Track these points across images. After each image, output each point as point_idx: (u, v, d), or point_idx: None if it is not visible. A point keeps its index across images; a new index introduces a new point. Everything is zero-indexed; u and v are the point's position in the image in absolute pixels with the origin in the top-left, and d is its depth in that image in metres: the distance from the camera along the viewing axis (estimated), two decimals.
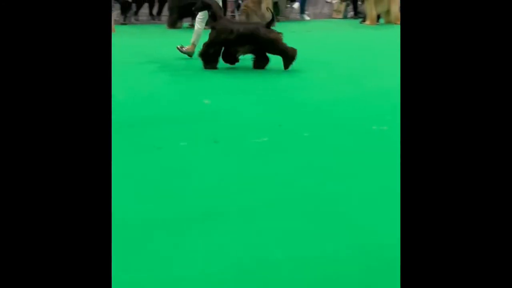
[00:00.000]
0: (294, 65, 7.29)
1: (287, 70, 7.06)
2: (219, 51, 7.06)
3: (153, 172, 3.50)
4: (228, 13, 12.74)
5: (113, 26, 10.92)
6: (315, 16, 15.08)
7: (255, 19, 11.65)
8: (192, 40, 7.87)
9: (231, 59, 7.17)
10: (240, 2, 12.63)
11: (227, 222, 2.77)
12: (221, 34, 6.86)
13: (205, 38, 7.25)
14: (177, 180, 3.36)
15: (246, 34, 6.82)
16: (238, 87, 6.21)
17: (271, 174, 3.44)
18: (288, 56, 6.98)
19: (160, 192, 3.16)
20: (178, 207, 2.95)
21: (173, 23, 11.35)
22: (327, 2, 16.26)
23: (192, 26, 11.73)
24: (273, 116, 4.86)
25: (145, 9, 12.58)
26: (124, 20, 12.12)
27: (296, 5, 14.13)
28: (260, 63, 7.13)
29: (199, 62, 7.51)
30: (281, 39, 6.96)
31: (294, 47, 7.09)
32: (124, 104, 5.31)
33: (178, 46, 7.95)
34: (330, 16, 15.16)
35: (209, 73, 6.92)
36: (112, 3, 12.15)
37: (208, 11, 7.11)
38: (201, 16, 7.68)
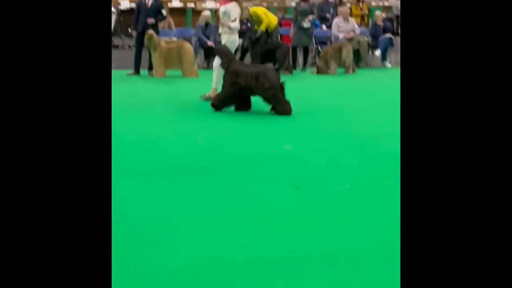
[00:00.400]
0: (374, 112, 7.26)
1: (360, 116, 7.04)
2: (232, 95, 7.25)
3: (234, 216, 3.54)
4: (310, 59, 12.84)
5: (196, 71, 11.22)
6: (397, 64, 15.00)
7: (333, 65, 11.67)
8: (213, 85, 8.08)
9: (245, 105, 7.37)
10: (320, 49, 12.74)
11: (309, 267, 2.76)
12: (232, 78, 7.13)
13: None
14: (259, 225, 3.38)
15: (253, 76, 6.97)
16: (318, 131, 6.21)
17: (352, 222, 3.41)
18: (278, 106, 7.06)
19: (241, 237, 3.19)
20: (259, 252, 2.97)
21: None
22: None
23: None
24: (355, 163, 4.84)
25: None
26: (208, 65, 12.42)
27: (378, 52, 14.10)
28: (244, 106, 7.34)
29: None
30: (281, 87, 7.03)
31: (375, 94, 7.06)
32: (206, 147, 5.42)
33: (203, 95, 8.14)
34: None
35: (288, 117, 6.96)
36: (197, 49, 12.50)
37: (220, 58, 7.45)
38: (215, 64, 7.97)
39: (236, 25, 7.94)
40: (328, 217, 3.50)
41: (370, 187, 4.14)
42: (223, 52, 7.40)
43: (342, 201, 3.82)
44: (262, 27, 12.21)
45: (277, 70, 7.14)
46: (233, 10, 7.99)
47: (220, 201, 3.83)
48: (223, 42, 7.90)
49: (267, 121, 6.87)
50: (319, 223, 3.40)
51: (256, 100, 7.34)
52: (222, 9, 8.13)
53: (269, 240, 3.13)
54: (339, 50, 11.93)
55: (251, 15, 12.44)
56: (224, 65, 7.30)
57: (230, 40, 7.92)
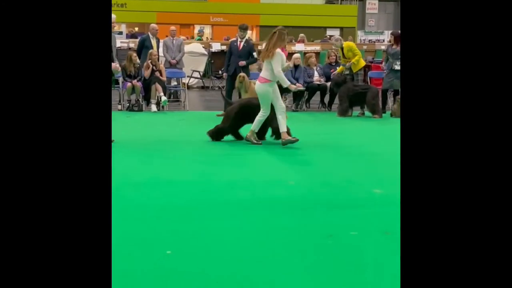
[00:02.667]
0: None
1: None
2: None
3: (323, 260, 3.50)
4: (389, 104, 12.62)
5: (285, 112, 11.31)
6: None
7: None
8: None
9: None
10: None
11: None
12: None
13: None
14: (348, 271, 3.33)
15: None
16: None
17: None
18: None
19: (330, 284, 3.15)
20: None
21: (344, 112, 11.52)
22: None
23: (362, 114, 11.83)
24: None
25: (317, 97, 12.91)
26: (296, 107, 12.51)
27: None
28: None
29: (368, 148, 7.53)
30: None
31: None
32: (298, 188, 5.42)
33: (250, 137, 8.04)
34: None
35: (382, 161, 6.87)
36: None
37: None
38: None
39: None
40: None
41: None
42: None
43: None
44: (357, 59, 12.15)
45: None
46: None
47: (310, 243, 3.80)
48: None
49: (354, 162, 6.80)
50: None
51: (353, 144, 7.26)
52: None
53: None
54: None
55: (342, 49, 12.39)
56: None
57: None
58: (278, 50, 7.67)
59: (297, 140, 7.69)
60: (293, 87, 7.94)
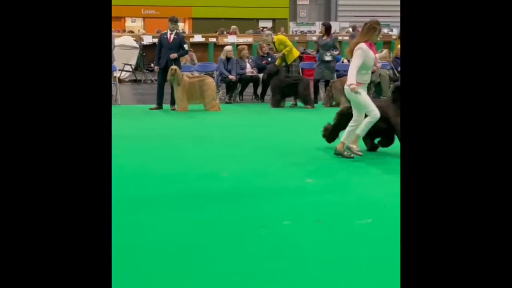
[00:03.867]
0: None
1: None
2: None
3: (257, 252, 3.52)
4: (321, 95, 12.75)
5: (218, 104, 11.29)
6: None
7: (343, 99, 11.59)
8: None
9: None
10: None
11: None
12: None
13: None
14: (282, 261, 3.37)
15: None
16: (344, 166, 6.19)
17: (376, 258, 3.37)
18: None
19: (264, 275, 3.17)
20: None
21: (276, 103, 11.60)
22: None
23: (294, 105, 11.93)
24: (378, 197, 4.81)
25: (250, 89, 12.93)
26: (229, 99, 12.50)
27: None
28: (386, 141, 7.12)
29: (299, 139, 7.61)
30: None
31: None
32: (231, 179, 5.43)
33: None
34: None
35: (314, 151, 6.96)
36: (218, 83, 12.59)
37: None
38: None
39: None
40: (351, 253, 3.47)
41: (393, 221, 4.09)
42: None
43: (364, 236, 3.79)
44: (288, 49, 12.11)
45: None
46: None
47: (244, 235, 3.83)
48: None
49: (289, 154, 6.87)
50: (342, 260, 3.37)
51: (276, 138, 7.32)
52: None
53: (292, 279, 3.10)
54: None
55: (273, 43, 12.46)
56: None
57: None
58: (361, 45, 6.55)
59: (353, 157, 6.61)
60: (354, 89, 6.29)
